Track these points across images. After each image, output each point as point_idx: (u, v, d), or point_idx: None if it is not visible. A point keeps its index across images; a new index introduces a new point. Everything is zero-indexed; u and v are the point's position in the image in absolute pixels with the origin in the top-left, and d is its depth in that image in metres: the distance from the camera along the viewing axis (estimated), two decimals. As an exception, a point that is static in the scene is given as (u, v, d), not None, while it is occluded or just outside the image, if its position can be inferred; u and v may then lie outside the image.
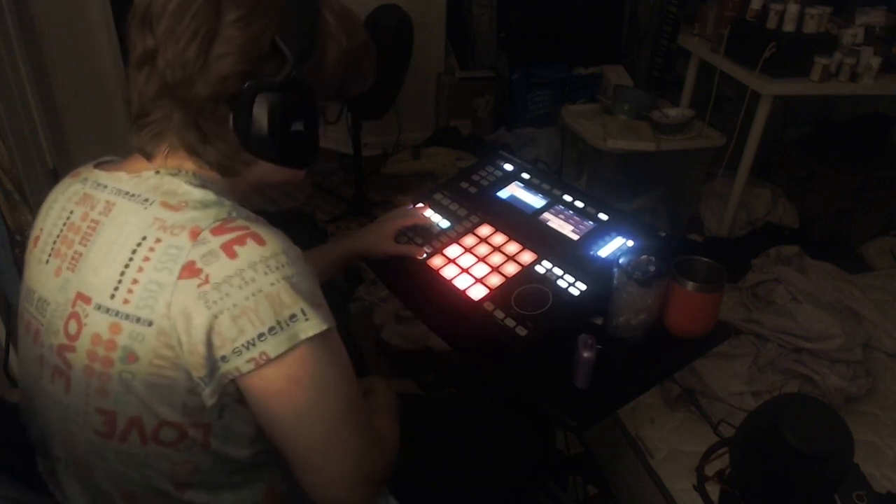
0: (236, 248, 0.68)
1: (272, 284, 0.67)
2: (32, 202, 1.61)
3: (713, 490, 1.37)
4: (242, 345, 0.67)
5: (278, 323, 0.67)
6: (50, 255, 0.77)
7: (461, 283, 1.11)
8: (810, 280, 2.10)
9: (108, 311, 0.70)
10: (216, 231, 0.69)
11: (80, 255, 0.74)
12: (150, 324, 0.68)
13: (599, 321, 1.06)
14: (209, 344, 0.67)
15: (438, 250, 1.18)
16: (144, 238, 0.70)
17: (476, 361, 1.10)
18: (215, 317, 0.66)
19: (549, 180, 1.30)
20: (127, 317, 0.69)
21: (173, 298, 0.67)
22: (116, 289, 0.69)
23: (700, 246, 2.63)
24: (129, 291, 0.69)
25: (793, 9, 2.29)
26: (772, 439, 1.03)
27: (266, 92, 0.71)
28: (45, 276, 0.77)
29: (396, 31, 2.57)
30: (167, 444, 0.72)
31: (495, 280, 1.11)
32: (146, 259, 0.69)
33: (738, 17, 2.48)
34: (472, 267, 1.14)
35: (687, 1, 3.32)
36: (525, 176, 1.33)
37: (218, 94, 0.71)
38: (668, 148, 2.48)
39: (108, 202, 0.75)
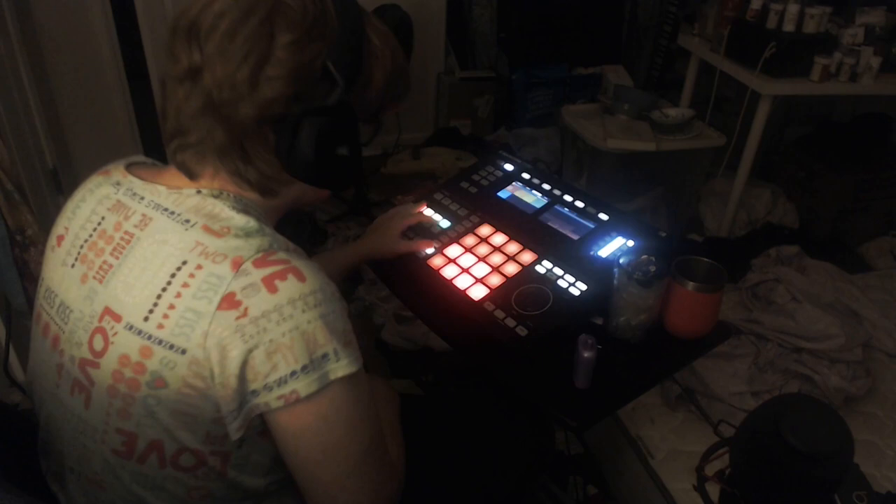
0: (277, 282, 0.67)
1: (309, 322, 0.67)
2: (32, 202, 1.61)
3: (713, 490, 1.37)
4: (275, 381, 0.66)
5: (311, 362, 0.67)
6: (76, 260, 0.76)
7: (461, 283, 1.11)
8: (810, 280, 2.10)
9: (139, 332, 0.68)
10: (258, 263, 0.68)
11: (111, 266, 0.72)
12: (184, 352, 0.67)
13: (599, 321, 1.06)
14: (242, 378, 0.66)
15: (439, 250, 1.18)
16: (185, 262, 0.68)
17: (476, 361, 1.10)
18: (250, 351, 0.65)
19: (549, 180, 1.30)
20: (160, 342, 0.67)
21: (210, 329, 0.66)
22: (151, 311, 0.68)
23: (700, 246, 2.62)
24: (165, 316, 0.67)
25: (793, 9, 2.30)
26: (772, 439, 1.03)
27: (314, 116, 0.70)
28: (68, 281, 0.76)
29: (396, 31, 2.56)
30: (185, 470, 0.72)
31: (495, 280, 1.10)
32: (185, 285, 0.67)
33: (738, 17, 2.48)
34: (472, 267, 1.14)
35: (687, 1, 3.32)
36: (525, 176, 1.33)
37: (263, 115, 0.70)
38: (668, 148, 2.48)
39: (144, 215, 0.73)
